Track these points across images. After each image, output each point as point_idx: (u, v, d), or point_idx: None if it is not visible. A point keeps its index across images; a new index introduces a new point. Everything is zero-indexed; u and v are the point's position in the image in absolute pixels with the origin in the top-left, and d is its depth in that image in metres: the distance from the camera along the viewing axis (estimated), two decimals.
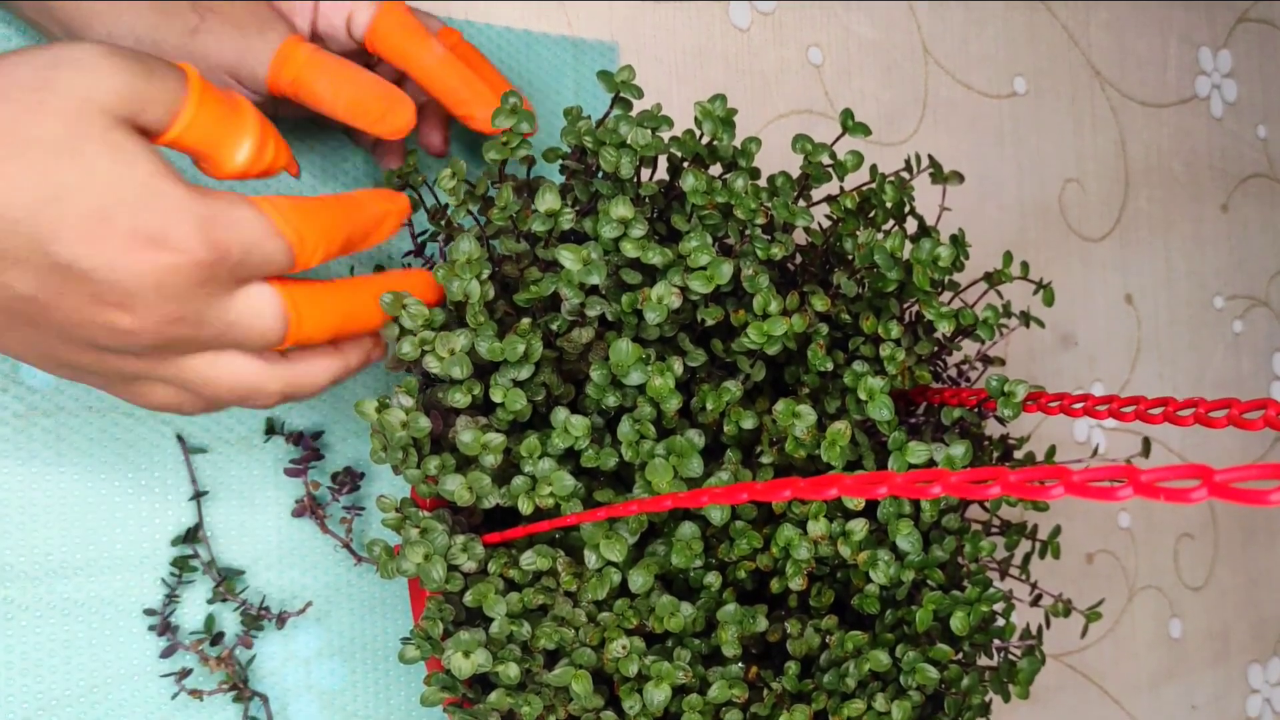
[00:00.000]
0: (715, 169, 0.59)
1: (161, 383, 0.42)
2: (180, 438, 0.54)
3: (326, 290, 0.43)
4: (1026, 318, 0.62)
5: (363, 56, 0.54)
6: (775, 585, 0.50)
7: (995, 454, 0.60)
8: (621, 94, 0.51)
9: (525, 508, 0.46)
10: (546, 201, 0.48)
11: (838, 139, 0.55)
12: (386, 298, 0.44)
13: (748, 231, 0.50)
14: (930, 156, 0.57)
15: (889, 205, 0.54)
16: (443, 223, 0.54)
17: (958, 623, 0.50)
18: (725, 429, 0.49)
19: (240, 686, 0.54)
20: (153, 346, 0.39)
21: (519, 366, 0.47)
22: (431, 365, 0.46)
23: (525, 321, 0.47)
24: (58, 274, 0.36)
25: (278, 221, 0.40)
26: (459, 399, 0.46)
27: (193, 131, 0.39)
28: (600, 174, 0.52)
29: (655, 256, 0.47)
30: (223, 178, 0.42)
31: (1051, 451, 0.63)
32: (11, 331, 0.39)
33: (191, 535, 0.54)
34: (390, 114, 0.50)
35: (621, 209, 0.47)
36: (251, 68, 0.48)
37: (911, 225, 0.59)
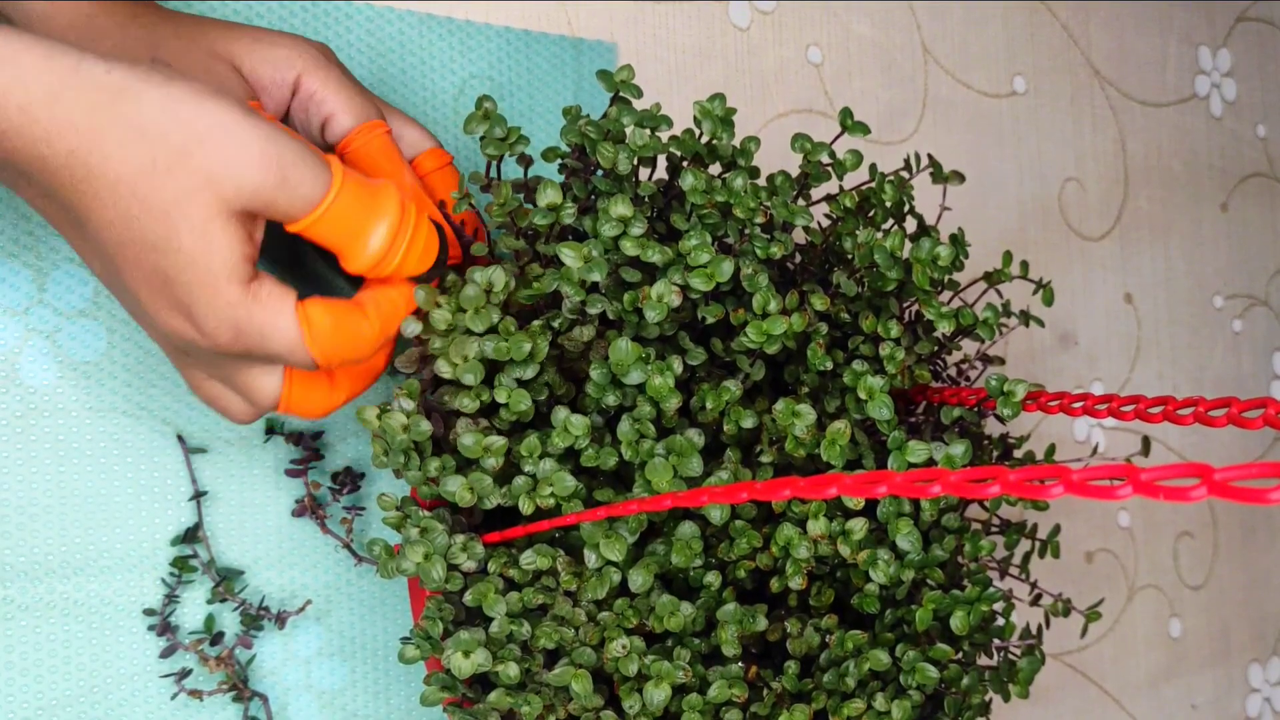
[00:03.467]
0: (715, 168, 0.59)
1: (260, 369, 0.45)
2: (180, 438, 0.54)
3: (339, 319, 0.44)
4: (1026, 317, 0.62)
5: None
6: (775, 584, 0.50)
7: (995, 453, 0.60)
8: (621, 93, 0.51)
9: (526, 508, 0.46)
10: (547, 196, 0.48)
11: (837, 138, 0.55)
12: (419, 294, 0.45)
13: (747, 230, 0.50)
14: (930, 156, 0.57)
15: (888, 204, 0.54)
16: None
17: (958, 622, 0.50)
18: (725, 428, 0.49)
19: (240, 686, 0.54)
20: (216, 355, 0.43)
21: (524, 366, 0.47)
22: (443, 370, 0.46)
23: (537, 323, 0.47)
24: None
25: (309, 342, 0.42)
26: (467, 404, 0.46)
27: (318, 231, 0.42)
28: (599, 171, 0.52)
29: (655, 255, 0.47)
30: (351, 273, 0.45)
31: (1051, 450, 0.63)
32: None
33: (191, 535, 0.54)
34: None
35: (621, 207, 0.47)
36: None
37: (911, 224, 0.59)
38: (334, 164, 0.43)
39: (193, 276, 0.40)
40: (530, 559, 0.48)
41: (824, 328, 0.51)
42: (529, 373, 0.47)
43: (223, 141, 0.39)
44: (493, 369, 0.48)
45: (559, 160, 0.53)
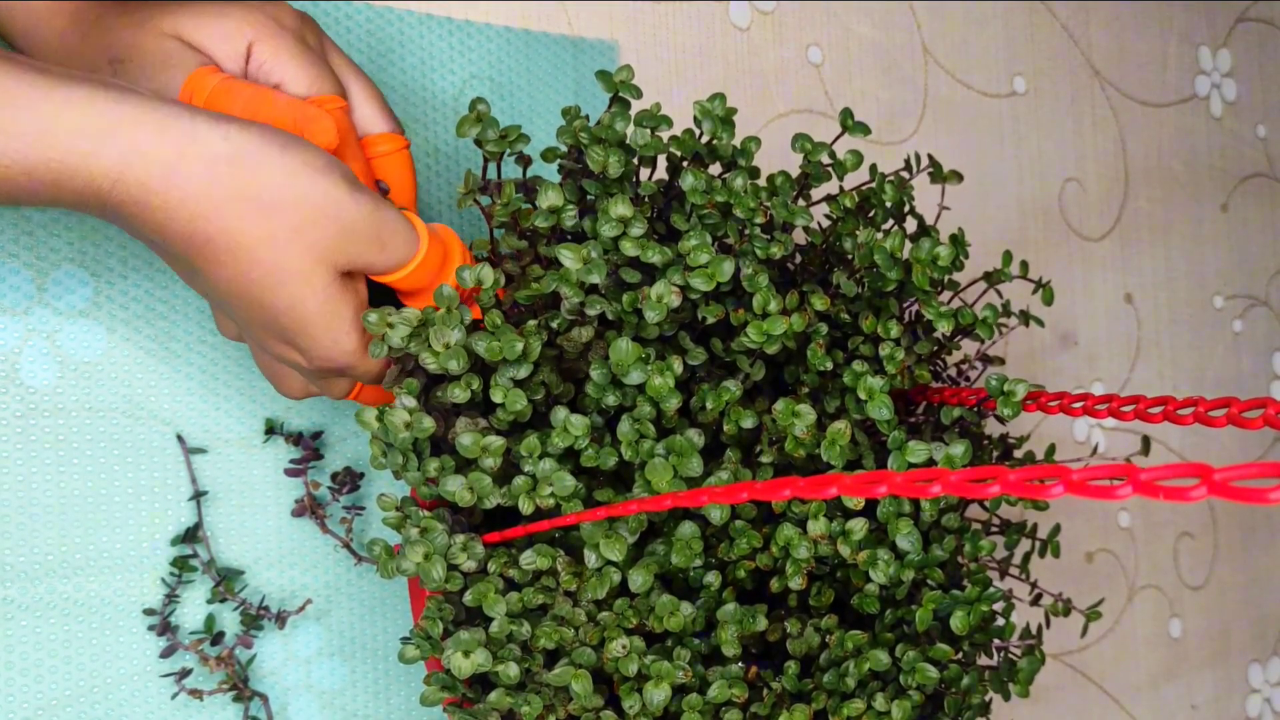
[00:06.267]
0: (715, 168, 0.59)
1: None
2: (180, 438, 0.54)
3: None
4: (1026, 317, 0.62)
5: None
6: (775, 585, 0.50)
7: (995, 453, 0.60)
8: (620, 94, 0.51)
9: (526, 508, 0.46)
10: (549, 198, 0.48)
11: (837, 138, 0.55)
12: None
13: (747, 231, 0.50)
14: (930, 156, 0.57)
15: (888, 205, 0.54)
16: None
17: (958, 622, 0.50)
18: (725, 428, 0.49)
19: (240, 686, 0.54)
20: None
21: (518, 365, 0.46)
22: (427, 361, 0.45)
23: (531, 323, 0.47)
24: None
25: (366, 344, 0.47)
26: (458, 394, 0.46)
27: (401, 284, 0.47)
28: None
29: (655, 255, 0.47)
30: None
31: (1051, 450, 0.63)
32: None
33: (191, 535, 0.54)
34: (309, 133, 0.48)
35: (621, 208, 0.47)
36: None
37: (911, 225, 0.59)
38: (417, 224, 0.47)
39: (315, 330, 0.45)
40: (530, 559, 0.48)
41: (824, 328, 0.51)
42: (523, 372, 0.47)
43: (336, 217, 0.43)
44: (488, 370, 0.48)
45: (558, 160, 0.53)
